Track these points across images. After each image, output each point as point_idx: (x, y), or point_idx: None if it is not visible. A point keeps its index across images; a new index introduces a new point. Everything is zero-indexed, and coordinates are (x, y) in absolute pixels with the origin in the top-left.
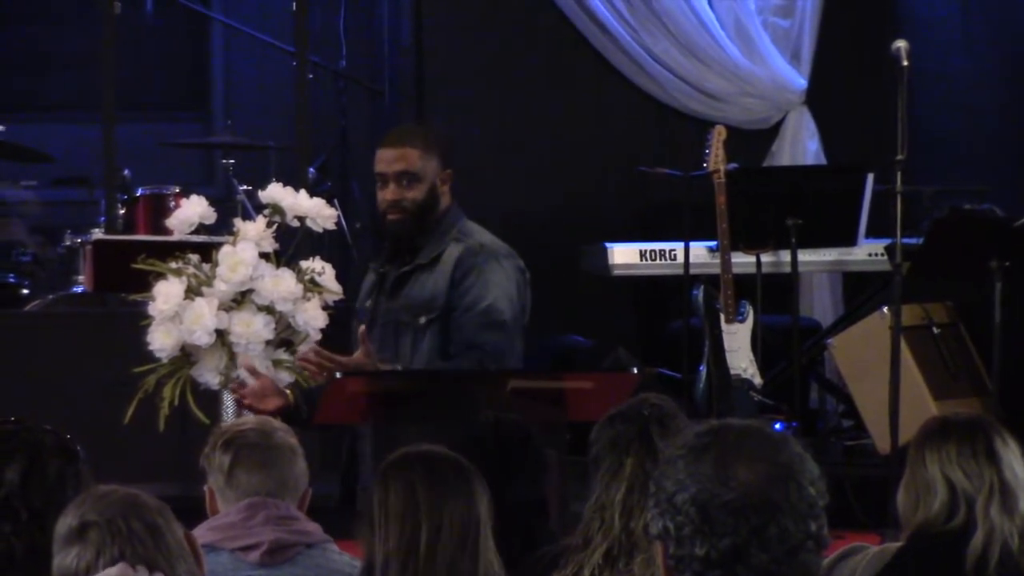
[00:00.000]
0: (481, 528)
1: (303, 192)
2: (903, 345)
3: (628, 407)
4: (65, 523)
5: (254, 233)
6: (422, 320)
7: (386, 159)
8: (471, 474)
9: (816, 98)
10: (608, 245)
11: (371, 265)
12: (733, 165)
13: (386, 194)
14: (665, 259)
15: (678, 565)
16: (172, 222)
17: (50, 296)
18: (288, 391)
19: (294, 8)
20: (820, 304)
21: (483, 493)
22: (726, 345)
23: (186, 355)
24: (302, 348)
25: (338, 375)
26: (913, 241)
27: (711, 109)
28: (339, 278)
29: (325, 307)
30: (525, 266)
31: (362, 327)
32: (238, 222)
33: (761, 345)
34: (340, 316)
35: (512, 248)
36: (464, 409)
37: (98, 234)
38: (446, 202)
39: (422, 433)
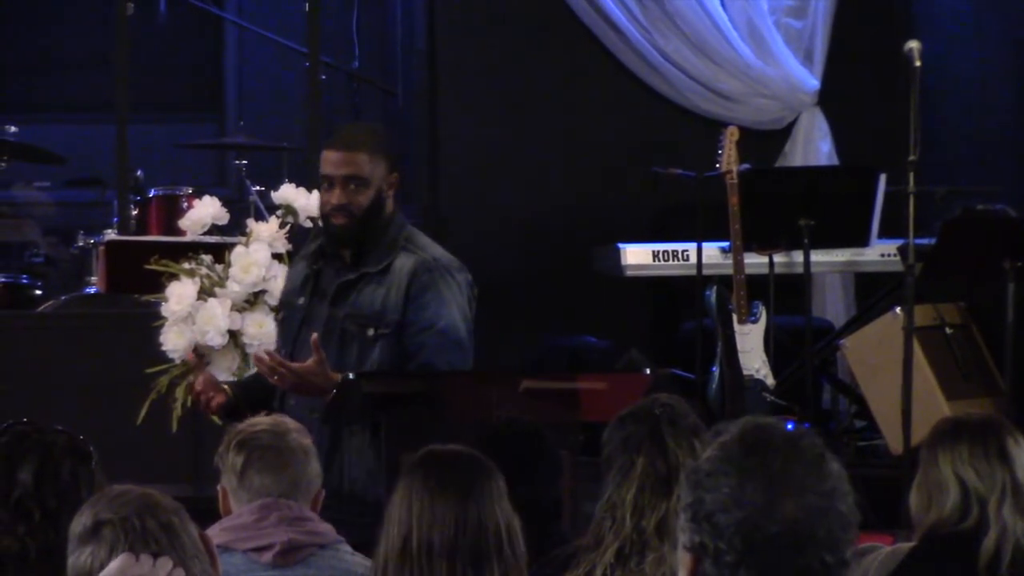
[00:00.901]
0: (492, 529)
1: (316, 193)
2: (915, 346)
3: (639, 407)
4: (80, 522)
5: (267, 234)
6: (370, 332)
7: (333, 162)
8: (485, 474)
9: (828, 99)
10: (621, 246)
11: (302, 257)
12: (746, 166)
13: (331, 197)
14: (678, 260)
15: None
16: (185, 223)
17: (63, 297)
18: (226, 387)
19: (307, 9)
20: (832, 305)
21: (498, 494)
22: (739, 346)
23: (199, 356)
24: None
25: (351, 376)
26: (925, 241)
27: (724, 109)
28: None
29: None
30: (473, 280)
31: (314, 335)
32: (251, 223)
33: (774, 345)
34: None
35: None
36: (477, 410)
37: (111, 235)
38: (391, 207)
39: (435, 433)
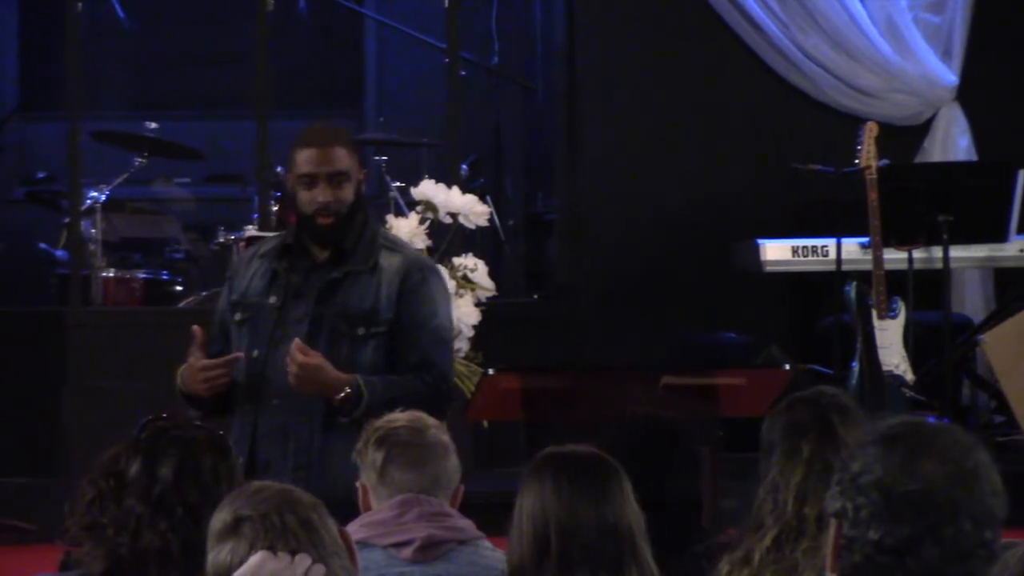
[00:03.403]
0: (626, 531)
1: (455, 189)
2: None
3: (805, 395)
4: (219, 518)
5: (407, 230)
6: (360, 331)
7: (315, 160)
8: (615, 475)
9: (967, 94)
10: (760, 241)
11: (258, 256)
12: (884, 161)
13: (316, 196)
14: (817, 255)
15: (850, 545)
16: None
17: (203, 293)
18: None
19: (447, 5)
20: (971, 300)
21: (628, 495)
22: (878, 341)
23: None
24: (455, 344)
25: (490, 371)
26: None
27: (863, 105)
28: (492, 275)
29: (478, 304)
30: None
31: (195, 327)
32: (391, 219)
33: (913, 341)
34: (492, 311)
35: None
36: (617, 406)
37: (251, 231)
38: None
39: (574, 430)
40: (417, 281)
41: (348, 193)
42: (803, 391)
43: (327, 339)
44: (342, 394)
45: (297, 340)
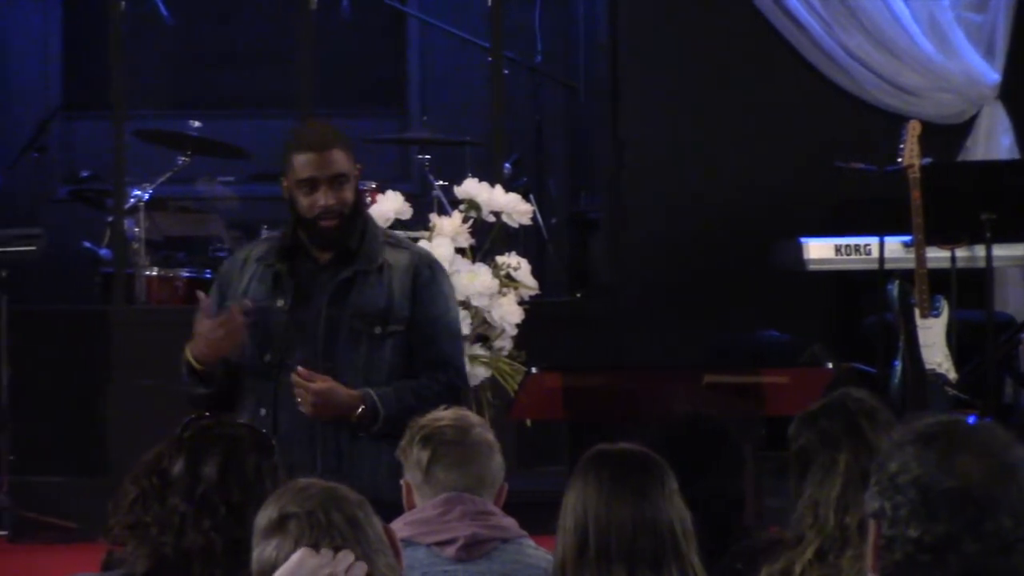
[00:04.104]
0: (666, 528)
1: (499, 187)
2: None
3: (830, 402)
4: (265, 515)
5: (450, 229)
6: (377, 330)
7: (316, 164)
8: (658, 473)
9: (1010, 93)
10: (803, 240)
11: (253, 260)
12: (927, 160)
13: (318, 199)
14: (860, 254)
15: (889, 545)
16: None
17: None
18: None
19: (490, 4)
20: (1014, 299)
21: (671, 493)
22: (921, 340)
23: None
24: (497, 343)
25: (534, 370)
26: None
27: (905, 104)
28: (535, 273)
29: (520, 302)
30: None
31: (200, 293)
32: (434, 218)
33: (955, 340)
34: (535, 310)
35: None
36: (659, 404)
37: None
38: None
39: (617, 429)
40: (427, 277)
41: (349, 194)
42: (829, 397)
43: (346, 340)
44: (358, 412)
45: (299, 368)
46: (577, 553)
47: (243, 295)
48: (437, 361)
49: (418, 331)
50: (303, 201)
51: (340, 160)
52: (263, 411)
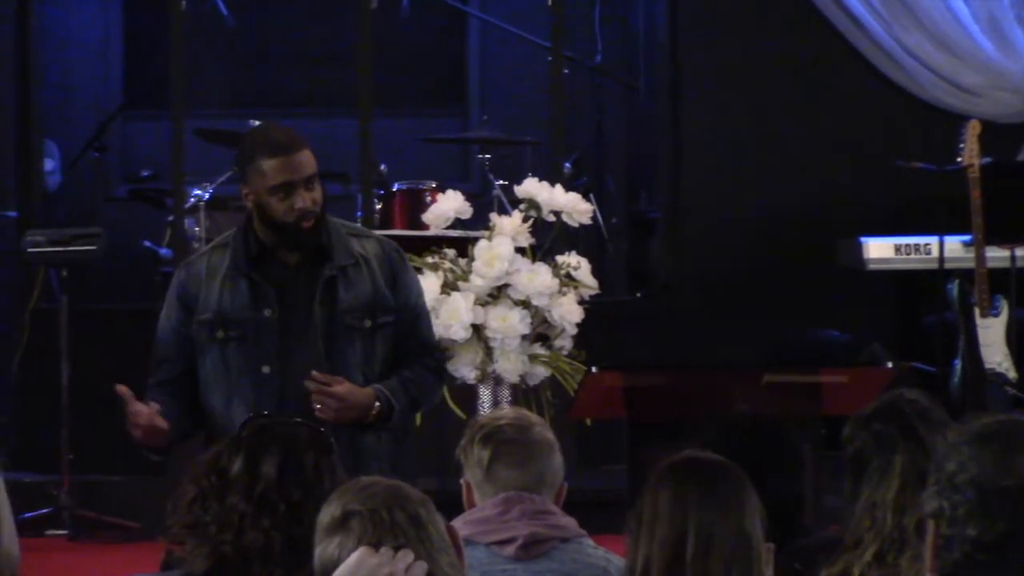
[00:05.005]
0: (753, 543)
1: (559, 187)
2: None
3: (884, 404)
4: (328, 513)
5: (510, 228)
6: (368, 324)
7: (291, 166)
8: (746, 486)
9: None
10: (863, 239)
11: (217, 275)
12: (987, 159)
13: (296, 202)
14: (920, 253)
15: (948, 544)
16: (428, 217)
17: None
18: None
19: (550, 3)
20: None
21: (756, 506)
22: (980, 339)
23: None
24: (558, 343)
25: (594, 369)
26: None
27: (965, 103)
28: (594, 273)
29: (580, 302)
30: None
31: (120, 387)
32: (494, 217)
33: (1015, 339)
34: (595, 310)
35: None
36: (720, 404)
37: None
38: None
39: (677, 428)
40: (397, 263)
41: (319, 193)
42: (881, 399)
43: (342, 338)
44: (374, 410)
45: (314, 374)
46: (668, 561)
47: (219, 310)
48: (423, 348)
49: (402, 318)
50: (278, 206)
51: (309, 160)
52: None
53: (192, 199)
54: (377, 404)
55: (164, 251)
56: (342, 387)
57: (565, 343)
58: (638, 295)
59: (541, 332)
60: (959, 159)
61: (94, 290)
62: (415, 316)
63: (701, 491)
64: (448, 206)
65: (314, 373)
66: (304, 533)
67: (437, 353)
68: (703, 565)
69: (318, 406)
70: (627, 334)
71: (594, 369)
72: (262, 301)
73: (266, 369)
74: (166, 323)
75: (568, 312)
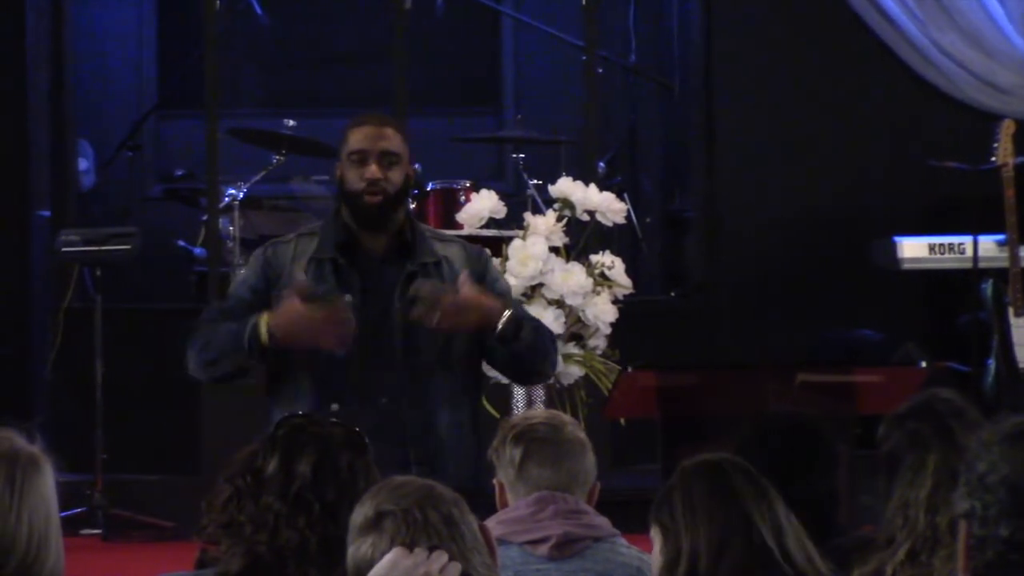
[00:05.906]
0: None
1: (593, 186)
2: None
3: (918, 404)
4: (361, 512)
5: (544, 227)
6: None
7: (369, 136)
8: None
9: None
10: (897, 239)
11: (310, 258)
12: (1021, 158)
13: (365, 172)
14: (954, 253)
15: (980, 544)
16: (463, 216)
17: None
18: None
19: (584, 3)
20: None
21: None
22: (1014, 339)
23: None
24: (592, 342)
25: (628, 369)
26: None
27: (999, 103)
28: (629, 272)
29: (615, 301)
30: None
31: (299, 274)
32: (528, 216)
33: None
34: (629, 309)
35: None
36: (754, 403)
37: None
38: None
39: (712, 427)
40: (483, 262)
41: (398, 176)
42: (915, 398)
43: (425, 331)
44: (502, 322)
45: (465, 272)
46: (713, 562)
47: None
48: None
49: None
50: (351, 174)
51: (393, 139)
52: (334, 407)
53: (227, 198)
54: (507, 312)
55: (198, 250)
56: (475, 293)
57: (599, 343)
58: (672, 295)
59: (575, 332)
60: (993, 158)
61: (128, 290)
62: (510, 300)
63: (708, 499)
64: (482, 205)
65: (464, 272)
66: (339, 533)
67: (540, 326)
68: (741, 568)
69: (418, 314)
70: (661, 334)
71: (628, 369)
72: (345, 285)
73: (341, 352)
74: (242, 285)
75: (602, 312)
